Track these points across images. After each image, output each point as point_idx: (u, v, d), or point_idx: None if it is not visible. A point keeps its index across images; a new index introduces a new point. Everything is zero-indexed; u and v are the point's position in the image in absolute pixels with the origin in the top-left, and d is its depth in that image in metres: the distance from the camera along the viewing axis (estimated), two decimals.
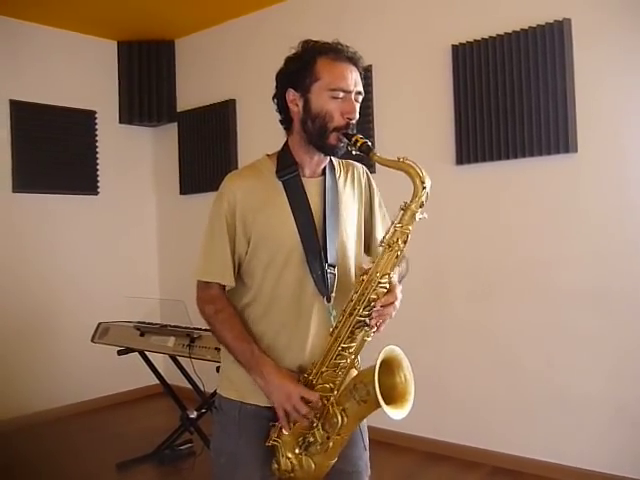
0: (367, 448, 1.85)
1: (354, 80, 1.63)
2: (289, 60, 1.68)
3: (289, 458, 1.62)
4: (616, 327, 3.21)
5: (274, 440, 1.64)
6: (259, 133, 4.60)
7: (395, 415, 1.52)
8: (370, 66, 4.07)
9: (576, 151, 3.30)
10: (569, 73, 3.28)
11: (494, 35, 3.54)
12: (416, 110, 3.95)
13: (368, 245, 1.85)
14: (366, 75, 4.19)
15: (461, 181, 3.75)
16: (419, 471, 3.65)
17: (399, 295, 1.61)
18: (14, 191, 4.75)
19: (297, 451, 1.63)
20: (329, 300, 1.66)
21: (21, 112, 4.78)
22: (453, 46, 3.71)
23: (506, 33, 3.49)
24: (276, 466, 1.65)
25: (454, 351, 3.80)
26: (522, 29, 3.42)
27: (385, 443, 3.83)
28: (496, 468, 3.58)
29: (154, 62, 5.40)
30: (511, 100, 3.47)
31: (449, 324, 3.82)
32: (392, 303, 1.58)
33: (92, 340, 3.94)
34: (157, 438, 3.99)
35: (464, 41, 3.66)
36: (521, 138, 3.44)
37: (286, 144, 1.73)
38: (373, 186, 1.87)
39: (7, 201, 4.72)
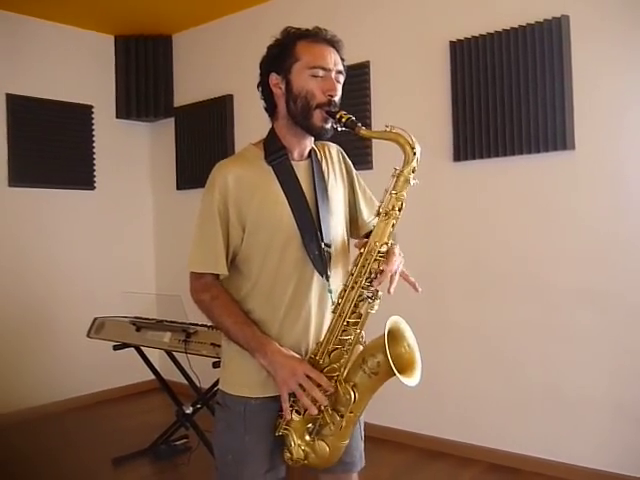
0: (363, 438, 1.87)
1: (333, 60, 1.65)
2: (270, 47, 1.71)
3: (300, 445, 1.61)
4: (614, 325, 3.21)
5: (284, 429, 1.62)
6: (256, 128, 4.54)
7: (409, 382, 1.53)
8: (368, 62, 4.07)
9: (573, 148, 3.30)
10: (567, 70, 3.28)
11: (492, 32, 3.53)
12: (413, 106, 3.94)
13: (357, 225, 1.87)
14: (364, 71, 4.26)
15: (458, 178, 3.75)
16: (416, 468, 3.65)
17: (397, 252, 1.65)
18: (10, 185, 4.73)
19: (307, 438, 1.61)
20: (328, 279, 1.67)
21: (17, 106, 4.76)
22: (451, 42, 3.70)
23: (504, 30, 3.48)
24: (288, 455, 1.63)
25: (451, 349, 3.80)
26: (520, 26, 3.41)
27: (382, 440, 3.83)
28: (493, 465, 3.58)
29: (151, 57, 5.37)
30: (509, 97, 3.47)
31: (446, 321, 3.82)
32: (392, 260, 1.62)
33: (88, 335, 3.92)
34: (153, 433, 3.99)
35: (462, 37, 3.66)
36: (518, 135, 3.44)
37: (272, 130, 1.74)
38: (349, 164, 1.89)
39: (3, 195, 4.70)
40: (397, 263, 1.64)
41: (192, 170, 5.23)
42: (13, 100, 4.74)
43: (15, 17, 4.74)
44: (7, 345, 4.63)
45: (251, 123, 4.71)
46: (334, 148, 1.87)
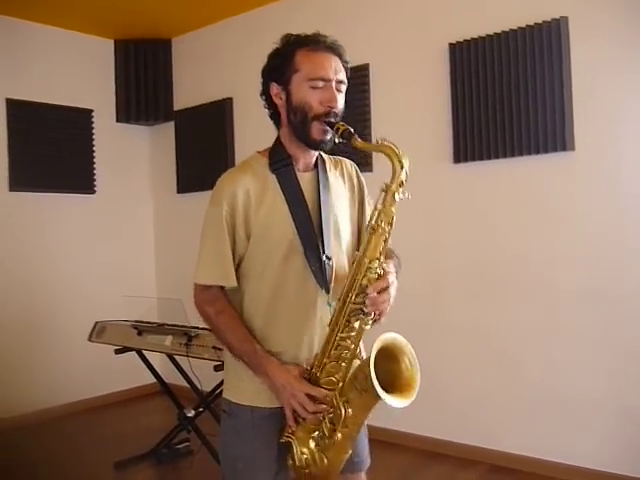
0: (366, 438, 1.88)
1: (334, 68, 1.62)
2: (270, 56, 1.69)
3: (304, 453, 1.62)
4: (615, 326, 3.21)
5: (287, 436, 1.63)
6: (256, 131, 4.57)
7: (395, 403, 1.50)
8: (367, 65, 4.08)
9: (573, 149, 3.30)
10: (566, 71, 3.28)
11: (491, 33, 3.53)
12: (413, 109, 3.94)
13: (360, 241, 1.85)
14: (363, 74, 4.26)
15: (458, 179, 3.75)
16: (417, 469, 3.65)
17: (391, 279, 1.57)
18: (10, 190, 4.73)
19: (312, 446, 1.62)
20: (328, 291, 1.66)
21: (17, 111, 4.76)
22: (450, 44, 3.71)
23: (503, 31, 3.48)
24: (291, 462, 1.64)
25: (452, 350, 3.80)
26: (519, 27, 3.42)
27: (383, 442, 3.82)
28: (494, 466, 3.58)
29: (151, 61, 5.38)
30: (508, 98, 3.47)
31: (446, 322, 3.82)
32: (385, 289, 1.55)
33: (89, 339, 3.92)
34: (155, 437, 3.99)
35: (461, 39, 3.66)
36: (518, 136, 3.44)
37: (278, 139, 1.73)
38: (363, 182, 1.87)
39: (3, 200, 4.71)
40: (385, 295, 1.55)
41: (192, 173, 5.23)
42: (13, 105, 4.74)
43: (15, 22, 4.74)
44: (8, 349, 4.62)
45: (251, 126, 4.73)
46: (350, 164, 1.86)
